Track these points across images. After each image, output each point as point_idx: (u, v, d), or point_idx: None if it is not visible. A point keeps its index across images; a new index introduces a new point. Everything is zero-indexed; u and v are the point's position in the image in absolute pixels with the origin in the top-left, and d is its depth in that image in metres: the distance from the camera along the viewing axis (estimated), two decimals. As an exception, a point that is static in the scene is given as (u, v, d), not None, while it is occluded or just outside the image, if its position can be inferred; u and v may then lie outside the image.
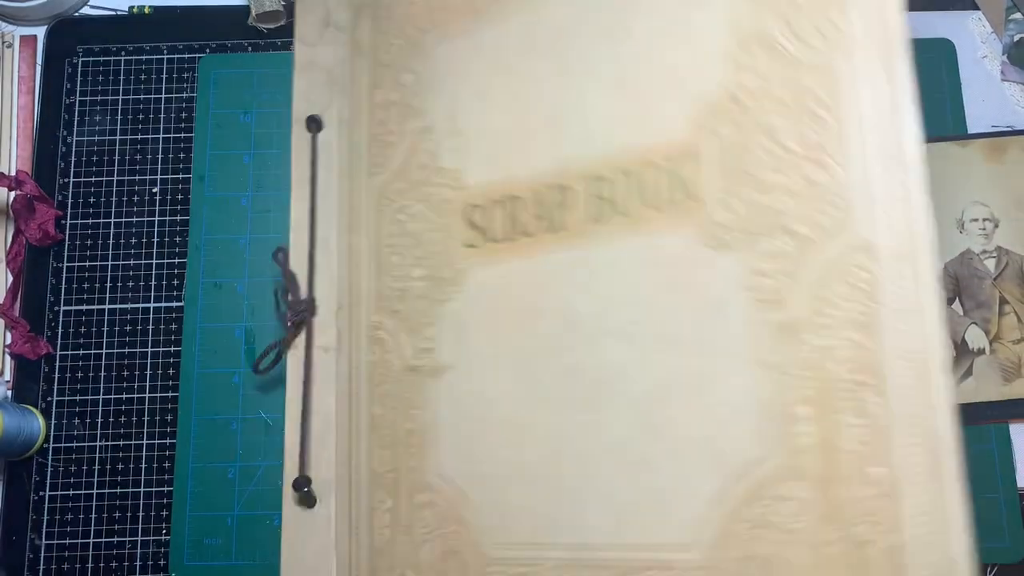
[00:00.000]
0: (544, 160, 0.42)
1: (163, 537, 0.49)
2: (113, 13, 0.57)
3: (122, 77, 0.55)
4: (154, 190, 0.54)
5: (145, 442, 0.50)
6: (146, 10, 0.57)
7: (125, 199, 0.54)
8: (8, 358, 0.52)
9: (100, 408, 0.51)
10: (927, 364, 0.32)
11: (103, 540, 0.49)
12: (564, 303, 0.41)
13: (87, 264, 0.53)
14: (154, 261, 0.53)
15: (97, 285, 0.53)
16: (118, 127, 0.55)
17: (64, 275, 0.53)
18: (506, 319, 0.42)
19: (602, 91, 0.42)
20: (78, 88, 0.55)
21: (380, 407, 0.44)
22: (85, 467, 0.50)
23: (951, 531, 0.30)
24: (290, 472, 0.47)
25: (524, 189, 0.43)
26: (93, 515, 0.50)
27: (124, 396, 0.51)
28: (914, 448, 0.32)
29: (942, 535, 0.31)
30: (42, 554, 0.49)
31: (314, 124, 0.51)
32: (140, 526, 0.50)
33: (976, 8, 0.57)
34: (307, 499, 0.46)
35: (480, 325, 0.43)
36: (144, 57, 0.56)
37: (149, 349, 0.52)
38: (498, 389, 0.42)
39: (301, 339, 0.49)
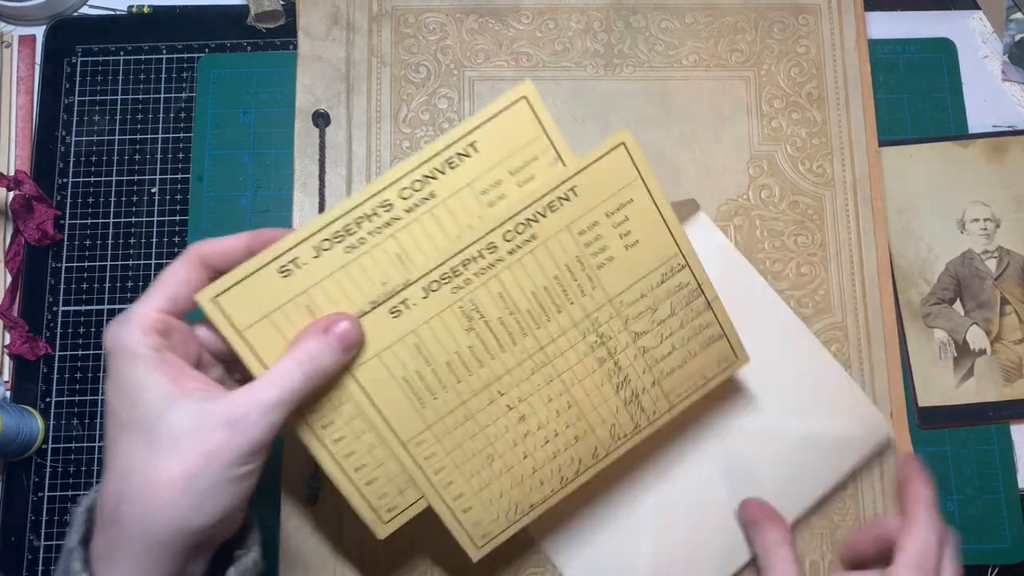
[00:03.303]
0: None
1: (162, 538, 0.49)
2: (112, 13, 0.57)
3: (121, 77, 0.55)
4: (153, 190, 0.54)
5: (144, 443, 0.50)
6: (145, 10, 0.57)
7: (124, 199, 0.54)
8: (7, 358, 0.52)
9: (99, 408, 0.51)
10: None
11: (102, 541, 0.49)
12: None
13: (86, 264, 0.53)
14: (154, 261, 0.53)
15: (96, 285, 0.53)
16: (117, 127, 0.55)
17: (63, 275, 0.53)
18: None
19: None
20: (77, 88, 0.55)
21: None
22: (84, 467, 0.50)
23: None
24: (290, 471, 0.47)
25: None
26: (92, 516, 0.50)
27: (123, 396, 0.51)
28: None
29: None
30: (41, 555, 0.49)
31: (321, 119, 0.51)
32: (139, 527, 0.49)
33: (977, 8, 0.57)
34: (312, 496, 0.47)
35: None
36: (143, 57, 0.56)
37: (148, 349, 0.52)
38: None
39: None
